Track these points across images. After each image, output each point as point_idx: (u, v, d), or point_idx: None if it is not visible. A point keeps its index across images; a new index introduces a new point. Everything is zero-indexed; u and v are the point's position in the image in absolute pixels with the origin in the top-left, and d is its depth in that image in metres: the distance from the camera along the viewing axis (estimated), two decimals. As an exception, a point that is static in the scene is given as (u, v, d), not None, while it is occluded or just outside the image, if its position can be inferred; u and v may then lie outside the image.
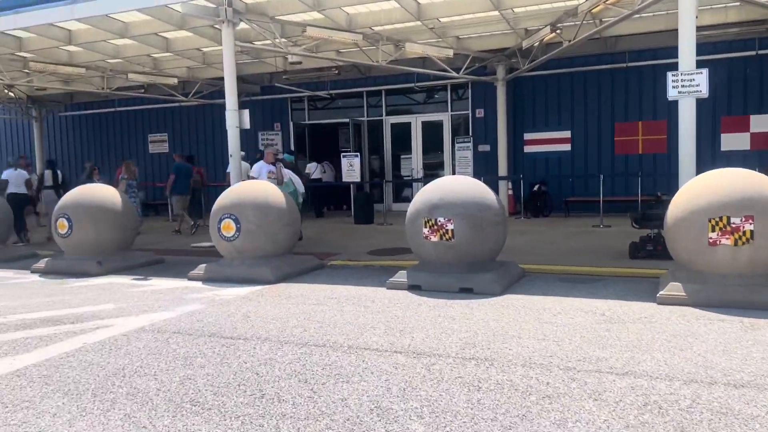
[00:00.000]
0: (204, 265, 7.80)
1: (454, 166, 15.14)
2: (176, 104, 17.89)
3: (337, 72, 14.85)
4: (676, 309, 5.43)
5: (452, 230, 6.45)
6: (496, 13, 11.39)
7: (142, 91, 16.66)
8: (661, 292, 5.72)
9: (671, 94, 7.73)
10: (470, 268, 6.59)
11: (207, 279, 7.60)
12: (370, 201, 13.55)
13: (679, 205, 5.79)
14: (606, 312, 5.41)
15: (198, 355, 4.43)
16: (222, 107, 10.19)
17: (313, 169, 15.41)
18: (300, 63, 12.81)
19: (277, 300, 6.35)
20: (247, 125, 10.60)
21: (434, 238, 6.55)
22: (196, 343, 4.77)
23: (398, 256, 8.92)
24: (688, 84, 7.64)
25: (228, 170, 11.84)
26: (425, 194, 6.80)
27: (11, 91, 16.54)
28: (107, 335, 5.07)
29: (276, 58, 14.15)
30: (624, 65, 13.76)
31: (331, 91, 16.07)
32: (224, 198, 7.74)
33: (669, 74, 7.73)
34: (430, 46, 12.51)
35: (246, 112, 10.61)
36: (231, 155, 10.60)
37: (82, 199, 8.47)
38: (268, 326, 5.23)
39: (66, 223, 8.36)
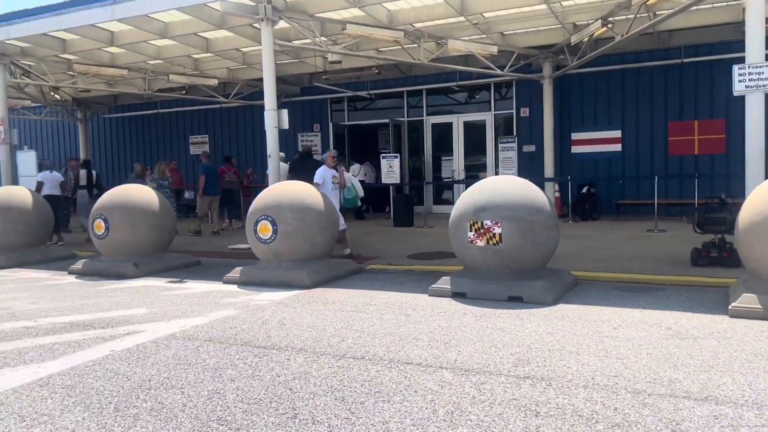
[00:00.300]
0: (240, 268, 7.56)
1: (497, 167, 14.65)
2: (216, 106, 17.89)
3: (377, 71, 14.55)
4: (752, 323, 4.89)
5: (500, 234, 6.04)
6: (544, 7, 10.89)
7: (183, 92, 16.68)
8: (733, 304, 5.19)
9: (738, 88, 7.15)
10: (519, 275, 6.16)
11: (242, 282, 7.36)
12: (410, 203, 13.19)
13: (754, 208, 5.24)
14: (672, 326, 4.91)
15: (228, 366, 4.15)
16: (262, 108, 9.98)
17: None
18: (340, 62, 12.54)
19: (314, 306, 6.04)
20: (285, 125, 10.37)
21: (480, 243, 6.14)
22: (228, 352, 4.49)
23: (440, 260, 8.53)
24: (756, 78, 7.06)
25: (267, 171, 11.66)
26: (471, 195, 6.40)
27: (57, 94, 16.77)
28: (136, 342, 4.83)
29: (315, 57, 13.94)
30: (679, 61, 13.05)
31: (370, 92, 15.78)
32: (261, 199, 7.49)
33: (735, 67, 7.15)
34: (473, 43, 12.08)
35: (285, 112, 10.39)
36: (269, 156, 10.38)
37: (119, 200, 8.35)
38: (303, 335, 4.92)
39: (103, 224, 8.25)
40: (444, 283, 6.42)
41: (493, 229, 6.07)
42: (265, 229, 7.25)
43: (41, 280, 8.08)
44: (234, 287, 7.21)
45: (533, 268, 6.24)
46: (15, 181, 13.27)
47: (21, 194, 9.62)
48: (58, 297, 6.86)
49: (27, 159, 13.84)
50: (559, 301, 5.93)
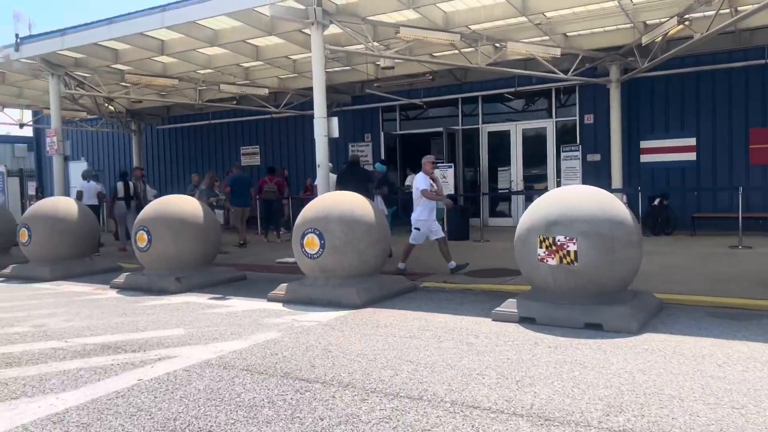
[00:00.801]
0: (285, 284, 7.05)
1: (558, 177, 13.80)
2: (267, 116, 17.66)
3: (431, 78, 13.96)
4: None
5: (575, 252, 5.31)
6: (612, 4, 10.10)
7: (234, 102, 16.50)
8: None
9: None
10: (597, 299, 5.41)
11: (288, 300, 6.84)
12: (465, 215, 12.49)
13: None
14: (793, 365, 4.09)
15: (265, 404, 3.58)
16: (312, 118, 9.55)
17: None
18: (392, 68, 11.99)
19: (364, 329, 5.44)
20: (335, 134, 9.89)
21: (552, 261, 5.42)
22: (266, 385, 3.93)
23: (501, 278, 7.82)
24: None
25: (315, 182, 11.21)
26: (541, 207, 5.69)
27: (111, 105, 16.88)
28: (167, 370, 4.34)
29: (367, 65, 13.47)
30: (762, 62, 11.95)
31: (424, 99, 15.18)
32: (308, 211, 6.97)
33: None
34: (535, 46, 11.35)
35: (335, 120, 9.91)
36: (318, 165, 9.91)
37: (162, 212, 8.00)
38: (351, 366, 4.32)
39: (145, 236, 7.91)
40: (510, 306, 5.72)
41: (567, 246, 5.35)
42: (312, 243, 6.72)
43: (82, 295, 7.78)
44: (278, 305, 6.69)
45: (613, 290, 5.48)
46: (67, 191, 13.28)
47: (67, 205, 9.44)
48: (95, 314, 6.50)
49: (79, 169, 13.81)
50: (644, 329, 5.15)
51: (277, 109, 16.05)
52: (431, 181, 8.64)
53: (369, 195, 9.33)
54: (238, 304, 6.89)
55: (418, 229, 8.51)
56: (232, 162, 18.86)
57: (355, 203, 6.94)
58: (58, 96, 13.17)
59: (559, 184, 13.53)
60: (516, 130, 14.59)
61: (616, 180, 12.52)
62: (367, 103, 16.15)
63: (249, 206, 13.22)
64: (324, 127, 9.75)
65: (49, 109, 17.39)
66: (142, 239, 7.96)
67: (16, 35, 12.48)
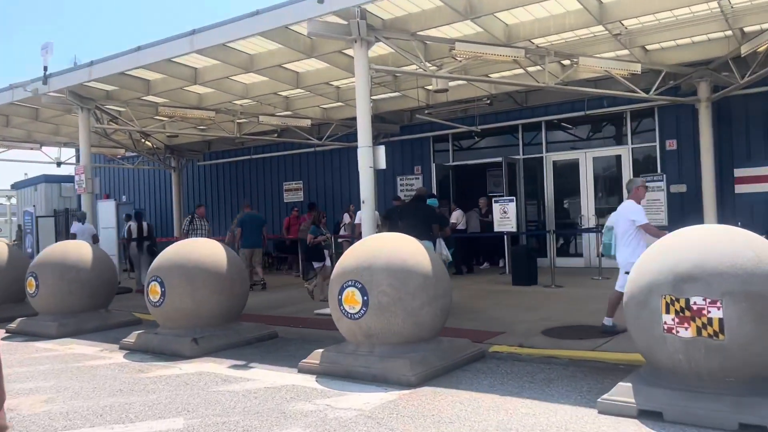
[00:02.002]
0: (320, 351, 5.65)
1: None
2: (311, 149, 16.60)
3: (488, 102, 12.55)
4: None
5: (720, 320, 3.74)
6: (706, 8, 8.56)
7: (275, 135, 15.48)
8: None
9: None
10: (754, 387, 3.80)
11: (323, 372, 5.42)
12: (532, 256, 10.86)
13: None
14: None
15: None
16: (355, 150, 8.32)
17: (460, 218, 13.05)
18: (446, 91, 10.64)
19: (421, 426, 3.96)
20: (382, 165, 8.58)
21: (685, 332, 3.85)
22: None
23: (591, 341, 6.22)
24: None
25: (357, 221, 9.92)
26: (666, 254, 4.15)
27: (148, 141, 16.12)
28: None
29: (417, 89, 12.19)
30: None
31: (479, 127, 13.73)
32: (347, 259, 5.60)
33: None
34: (610, 61, 9.84)
35: (381, 150, 8.61)
36: (363, 201, 8.58)
37: (179, 259, 6.77)
38: (407, 506, 2.84)
39: (158, 288, 6.68)
40: (623, 393, 4.14)
41: (708, 312, 3.78)
42: (353, 300, 5.32)
43: (83, 359, 6.57)
44: (311, 380, 5.29)
45: (777, 375, 3.86)
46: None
47: (79, 250, 8.36)
48: (85, 390, 5.23)
49: (107, 209, 12.91)
50: (837, 438, 3.50)
51: (321, 141, 14.92)
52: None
53: (433, 239, 7.96)
54: (261, 376, 5.52)
55: (628, 273, 6.70)
56: (274, 198, 17.84)
57: (407, 248, 5.53)
58: (88, 131, 12.36)
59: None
60: (585, 159, 12.97)
61: (710, 214, 10.71)
62: (417, 133, 14.86)
63: (261, 247, 12.41)
64: (369, 158, 8.47)
65: (96, 147, 16.90)
66: (154, 292, 6.73)
67: (45, 68, 11.80)
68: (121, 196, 21.35)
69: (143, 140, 15.94)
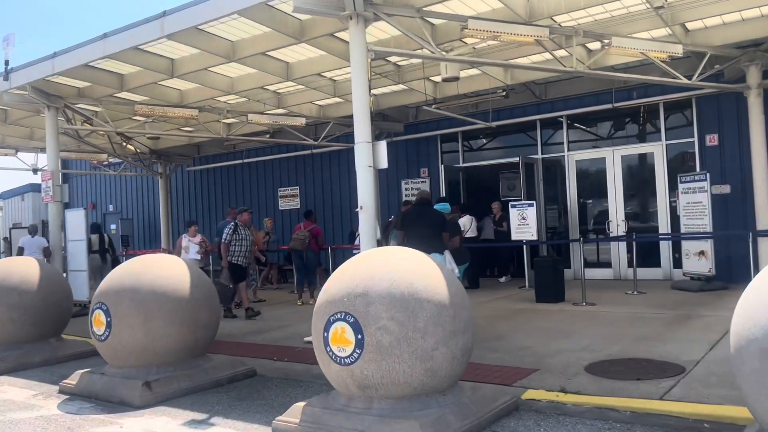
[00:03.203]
0: (301, 406, 4.27)
1: (673, 215, 10.70)
2: (307, 151, 15.28)
3: (503, 94, 11.17)
4: None
5: None
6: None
7: (267, 136, 14.16)
8: None
9: None
10: None
11: (304, 436, 4.04)
12: (559, 269, 9.43)
13: None
14: None
15: None
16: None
17: (469, 225, 11.65)
18: (456, 79, 9.28)
19: None
20: (384, 163, 7.25)
21: None
22: None
23: (650, 381, 4.83)
24: None
25: (357, 232, 8.61)
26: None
27: (130, 144, 14.79)
28: None
29: (424, 81, 10.86)
30: None
31: (492, 123, 12.31)
32: (336, 282, 4.22)
33: None
34: (648, 42, 8.48)
35: (383, 145, 7.28)
36: (360, 208, 7.25)
37: (129, 280, 5.41)
38: None
39: (103, 317, 5.33)
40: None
41: None
42: (343, 339, 3.95)
43: (7, 409, 5.20)
44: (287, 448, 3.91)
45: None
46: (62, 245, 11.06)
47: (24, 268, 7.02)
48: (-21, 466, 3.87)
49: (74, 218, 11.58)
50: None
51: (317, 141, 13.57)
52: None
53: (440, 250, 6.57)
54: (223, 439, 4.15)
55: None
56: (269, 206, 16.50)
57: (416, 267, 4.16)
58: (56, 132, 11.06)
59: (678, 224, 10.40)
60: (613, 158, 11.58)
61: (764, 219, 9.28)
62: (423, 132, 13.50)
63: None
64: (368, 155, 7.16)
65: (66, 152, 15.62)
66: (98, 322, 5.38)
67: (6, 62, 10.50)
68: (108, 205, 20.08)
69: (124, 144, 14.61)
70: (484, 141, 13.39)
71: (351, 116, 12.21)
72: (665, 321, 7.29)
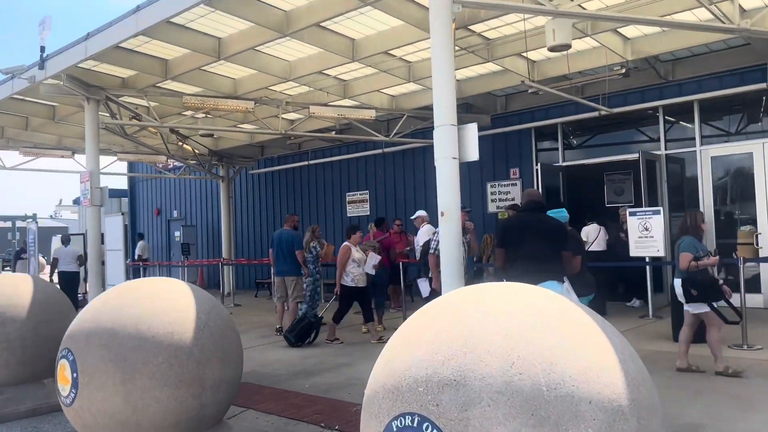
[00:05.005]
0: None
1: None
2: (378, 150, 13.52)
3: (622, 72, 8.89)
4: None
5: None
6: None
7: (333, 133, 12.49)
8: None
9: None
10: None
11: None
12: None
13: None
14: None
15: None
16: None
17: (595, 234, 9.45)
18: (566, 48, 7.10)
19: None
20: (473, 154, 5.41)
21: None
22: None
23: None
24: None
25: (434, 242, 6.75)
26: None
27: (186, 144, 13.51)
28: None
29: (519, 58, 8.82)
30: None
31: (613, 109, 9.89)
32: (402, 351, 2.30)
33: None
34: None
35: (472, 131, 5.44)
36: (442, 213, 5.38)
37: (105, 318, 3.73)
38: None
39: (68, 370, 3.67)
40: None
41: None
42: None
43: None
44: None
45: None
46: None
47: (13, 291, 5.53)
48: None
49: (113, 225, 10.30)
50: None
51: (389, 138, 11.73)
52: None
53: (559, 276, 4.49)
54: None
55: None
56: (336, 212, 14.84)
57: (561, 330, 2.18)
58: (96, 127, 9.84)
59: None
60: (764, 153, 9.09)
61: None
62: (514, 124, 11.41)
63: (294, 275, 8.83)
64: (452, 143, 5.30)
65: (124, 153, 14.60)
66: (63, 378, 3.73)
67: (41, 48, 9.35)
68: (172, 211, 19.09)
69: (180, 143, 13.35)
70: (589, 135, 11.12)
71: (429, 107, 10.34)
72: None
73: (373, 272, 8.22)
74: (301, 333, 7.77)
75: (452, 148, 5.32)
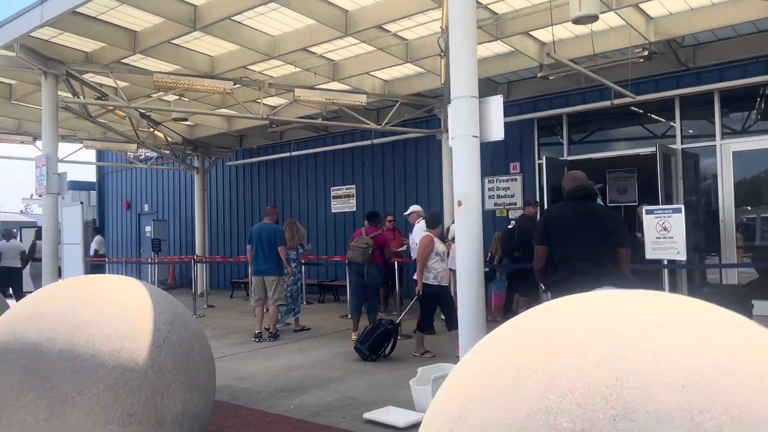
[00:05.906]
0: None
1: None
2: (367, 142, 12.60)
3: (644, 55, 8.06)
4: None
5: None
6: None
7: (320, 120, 11.56)
8: None
9: None
10: None
11: None
12: (745, 306, 6.27)
13: None
14: None
15: None
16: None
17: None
18: (593, 20, 6.24)
19: None
20: (498, 133, 4.68)
21: None
22: None
23: None
24: None
25: (448, 236, 5.87)
26: None
27: (158, 131, 12.43)
28: None
29: (534, 36, 7.97)
30: None
31: (638, 97, 8.98)
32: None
33: None
34: None
35: (497, 103, 4.60)
36: (458, 204, 4.50)
37: (28, 330, 2.76)
38: None
39: (-25, 402, 2.68)
40: None
41: None
42: None
43: None
44: None
45: None
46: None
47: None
48: None
49: (71, 215, 9.23)
50: None
51: (380, 126, 10.81)
52: None
53: (617, 281, 3.56)
54: None
55: None
56: (319, 208, 13.89)
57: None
58: (55, 106, 8.77)
59: None
60: (790, 147, 8.39)
61: None
62: (514, 114, 10.57)
63: (275, 274, 7.95)
64: (473, 119, 4.41)
65: (90, 140, 13.48)
66: (-32, 410, 2.74)
67: (-8, 15, 8.25)
68: (143, 205, 17.94)
69: (152, 129, 12.27)
70: (595, 127, 10.35)
71: (424, 93, 9.43)
72: None
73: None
74: (376, 343, 6.42)
75: (473, 124, 4.46)
